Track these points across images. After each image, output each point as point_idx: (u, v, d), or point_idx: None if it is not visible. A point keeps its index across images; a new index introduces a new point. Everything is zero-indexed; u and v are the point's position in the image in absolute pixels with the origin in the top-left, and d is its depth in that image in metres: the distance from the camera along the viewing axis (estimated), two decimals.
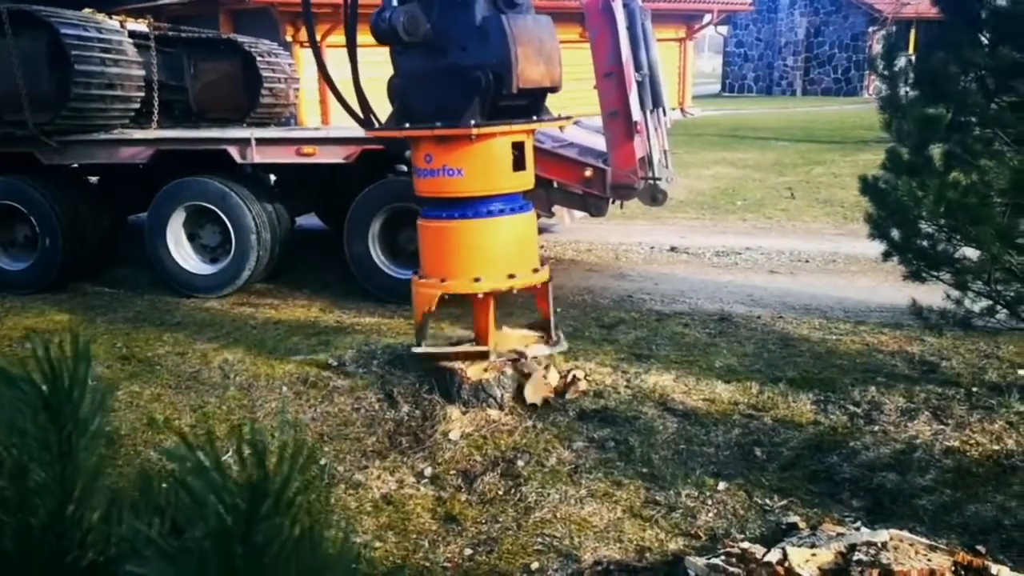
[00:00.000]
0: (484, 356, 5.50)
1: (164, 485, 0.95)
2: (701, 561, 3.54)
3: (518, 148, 5.26)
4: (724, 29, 35.37)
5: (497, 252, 5.32)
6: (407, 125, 5.27)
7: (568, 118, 5.86)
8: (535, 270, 5.47)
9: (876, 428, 4.97)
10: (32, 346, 0.94)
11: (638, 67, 6.92)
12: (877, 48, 32.78)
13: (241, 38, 10.08)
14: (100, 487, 0.97)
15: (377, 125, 5.68)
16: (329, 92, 6.24)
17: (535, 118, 5.36)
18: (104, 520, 0.96)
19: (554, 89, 5.36)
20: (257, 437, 0.82)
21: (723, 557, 3.55)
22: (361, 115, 5.99)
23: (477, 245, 5.29)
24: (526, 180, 5.38)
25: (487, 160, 5.15)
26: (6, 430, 0.91)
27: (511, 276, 5.33)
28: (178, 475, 0.84)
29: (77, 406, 0.94)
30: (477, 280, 5.27)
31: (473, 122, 4.98)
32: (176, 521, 0.90)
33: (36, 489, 0.91)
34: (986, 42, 4.92)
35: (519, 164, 5.27)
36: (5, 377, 0.93)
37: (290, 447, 0.83)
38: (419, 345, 5.54)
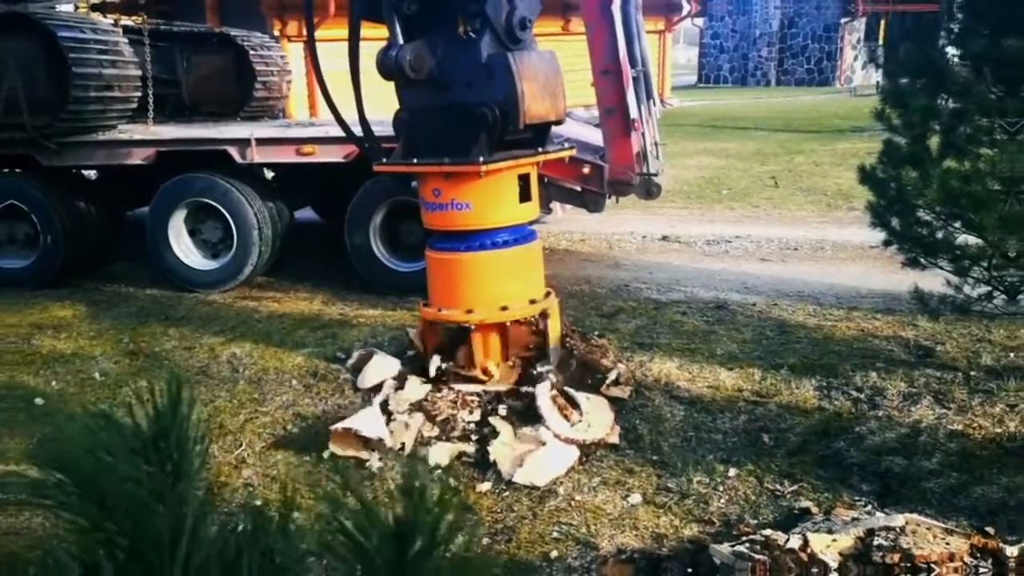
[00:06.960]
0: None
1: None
2: (727, 549, 3.62)
3: (524, 179, 5.35)
4: (700, 21, 35.56)
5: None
6: (415, 160, 5.33)
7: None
8: (533, 301, 5.52)
9: (880, 413, 5.06)
10: (135, 392, 1.00)
11: (633, 63, 6.96)
12: (849, 39, 33.20)
13: (234, 31, 10.00)
14: (210, 521, 0.99)
15: (384, 159, 5.70)
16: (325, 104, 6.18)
17: (540, 150, 5.45)
18: (219, 558, 0.98)
19: (559, 122, 5.47)
20: (415, 480, 0.85)
21: (747, 544, 3.63)
22: (367, 144, 5.97)
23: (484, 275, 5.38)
24: (532, 211, 5.49)
25: (495, 193, 5.23)
26: (117, 478, 0.94)
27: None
28: (330, 516, 0.89)
29: (182, 448, 0.99)
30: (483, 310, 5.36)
31: (481, 158, 5.03)
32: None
33: (149, 535, 0.93)
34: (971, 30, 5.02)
35: (525, 195, 5.37)
36: (113, 425, 0.97)
37: (439, 490, 0.87)
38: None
